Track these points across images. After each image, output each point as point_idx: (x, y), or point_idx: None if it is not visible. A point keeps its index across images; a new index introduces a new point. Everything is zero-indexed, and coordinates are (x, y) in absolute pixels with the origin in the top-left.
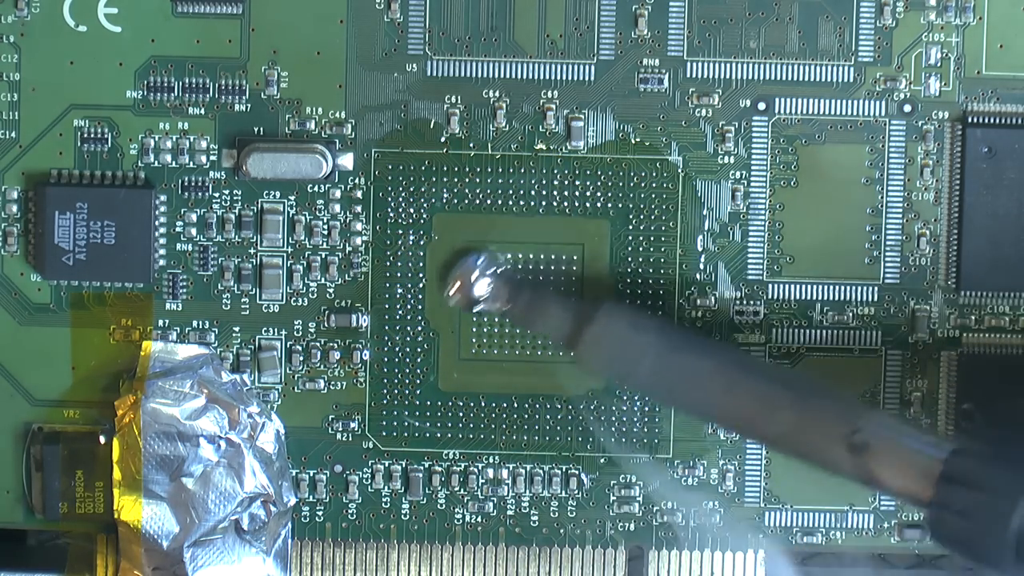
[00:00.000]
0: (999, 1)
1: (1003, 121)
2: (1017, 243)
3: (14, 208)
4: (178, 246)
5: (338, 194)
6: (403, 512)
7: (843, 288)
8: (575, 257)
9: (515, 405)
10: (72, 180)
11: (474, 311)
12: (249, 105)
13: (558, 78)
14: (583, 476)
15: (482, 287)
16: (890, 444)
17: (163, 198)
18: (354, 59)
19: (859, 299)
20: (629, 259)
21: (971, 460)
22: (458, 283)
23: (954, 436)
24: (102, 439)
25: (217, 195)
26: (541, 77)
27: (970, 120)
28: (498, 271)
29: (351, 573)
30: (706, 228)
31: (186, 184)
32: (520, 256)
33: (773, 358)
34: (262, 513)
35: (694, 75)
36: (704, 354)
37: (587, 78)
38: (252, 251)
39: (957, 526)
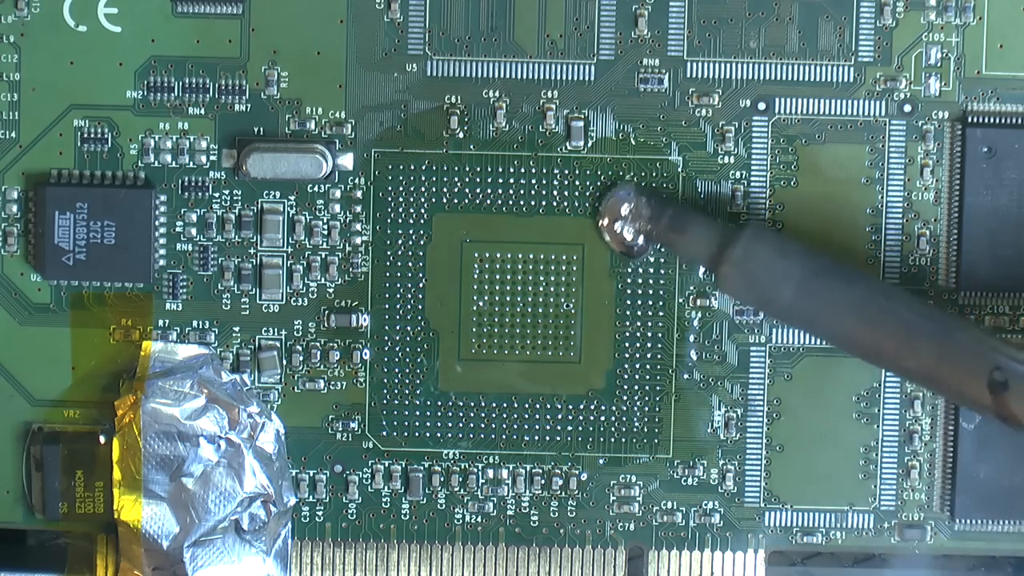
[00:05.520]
0: (999, 1)
1: (1003, 121)
2: (1017, 243)
3: (14, 208)
4: (178, 246)
5: (338, 194)
6: (403, 512)
7: None
8: (575, 257)
9: (515, 405)
10: (72, 180)
11: (621, 243)
12: (249, 105)
13: (558, 78)
14: (583, 476)
15: (625, 208)
16: None
17: (163, 198)
18: (354, 59)
19: None
20: (629, 259)
21: None
22: (607, 218)
23: None
24: (102, 439)
25: (217, 195)
26: (541, 77)
27: (970, 120)
28: (641, 189)
29: (351, 573)
30: None
31: (186, 184)
32: (520, 256)
33: (773, 358)
34: (262, 513)
35: (694, 75)
36: (848, 282)
37: (587, 78)
38: (252, 251)
39: None
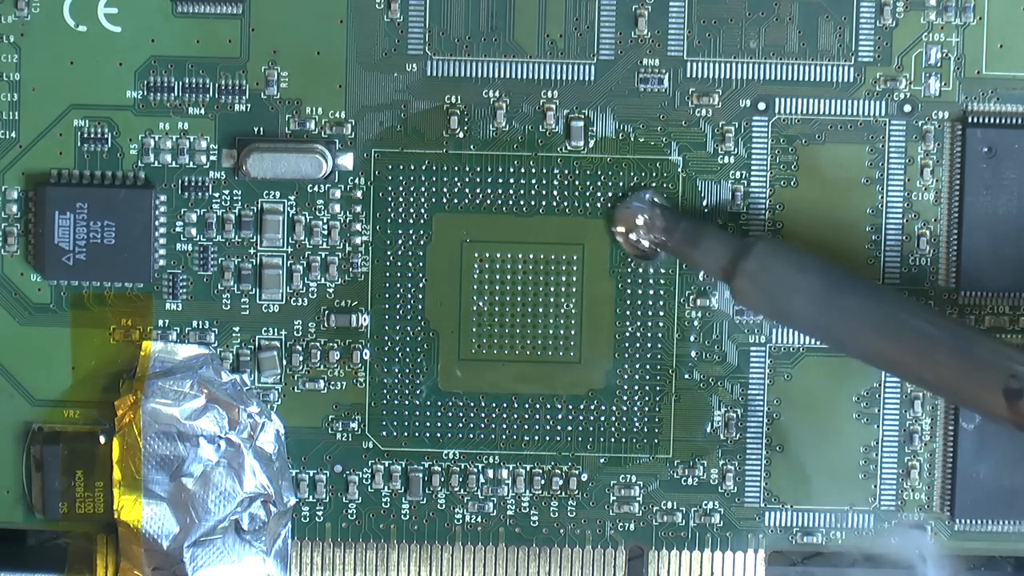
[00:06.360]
0: (999, 1)
1: (1003, 121)
2: (1017, 243)
3: (14, 208)
4: (178, 246)
5: (338, 194)
6: (403, 512)
7: None
8: (575, 257)
9: (515, 405)
10: (72, 180)
11: (636, 249)
12: (249, 105)
13: (558, 78)
14: (583, 476)
15: (640, 219)
16: None
17: (163, 198)
18: (354, 59)
19: None
20: (629, 259)
21: None
22: (621, 226)
23: None
24: (102, 439)
25: (217, 195)
26: (541, 77)
27: (970, 120)
28: (655, 201)
29: (351, 573)
30: None
31: (186, 184)
32: (520, 256)
33: (773, 358)
34: (262, 513)
35: (694, 75)
36: (864, 295)
37: (587, 78)
38: (252, 251)
39: None
